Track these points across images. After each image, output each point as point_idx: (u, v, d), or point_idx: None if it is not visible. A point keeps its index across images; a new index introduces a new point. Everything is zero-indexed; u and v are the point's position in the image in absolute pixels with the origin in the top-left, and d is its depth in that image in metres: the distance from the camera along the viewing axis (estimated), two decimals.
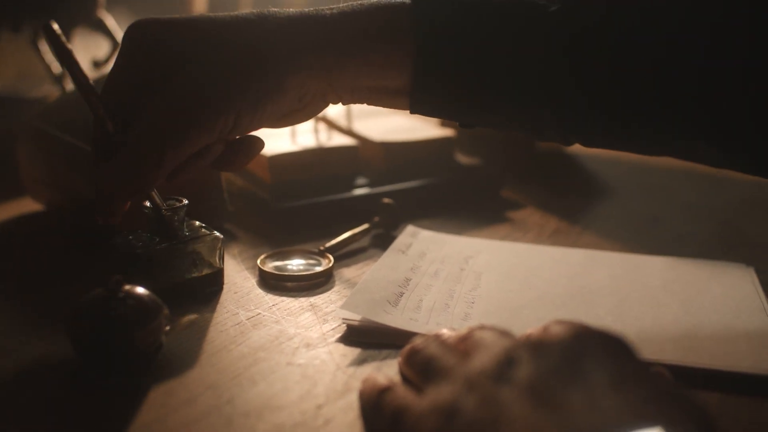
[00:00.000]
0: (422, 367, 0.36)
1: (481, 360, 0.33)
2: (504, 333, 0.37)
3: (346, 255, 0.60)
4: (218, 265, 0.54)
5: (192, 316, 0.49)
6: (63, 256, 0.59)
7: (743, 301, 0.50)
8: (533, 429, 0.28)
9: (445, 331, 0.41)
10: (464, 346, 0.37)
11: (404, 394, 0.35)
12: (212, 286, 0.53)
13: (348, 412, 0.39)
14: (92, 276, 0.48)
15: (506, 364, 0.32)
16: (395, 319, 0.47)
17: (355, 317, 0.48)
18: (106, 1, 0.81)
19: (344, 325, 0.48)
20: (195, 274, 0.52)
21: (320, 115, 0.79)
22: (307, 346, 0.46)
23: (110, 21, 0.82)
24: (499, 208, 0.73)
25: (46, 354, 0.44)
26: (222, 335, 0.47)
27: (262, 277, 0.55)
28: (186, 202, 0.52)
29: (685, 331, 0.47)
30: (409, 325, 0.47)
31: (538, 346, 0.32)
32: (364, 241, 0.63)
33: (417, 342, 0.38)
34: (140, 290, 0.43)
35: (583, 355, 0.31)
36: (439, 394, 0.32)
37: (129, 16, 1.31)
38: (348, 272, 0.57)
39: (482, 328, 0.38)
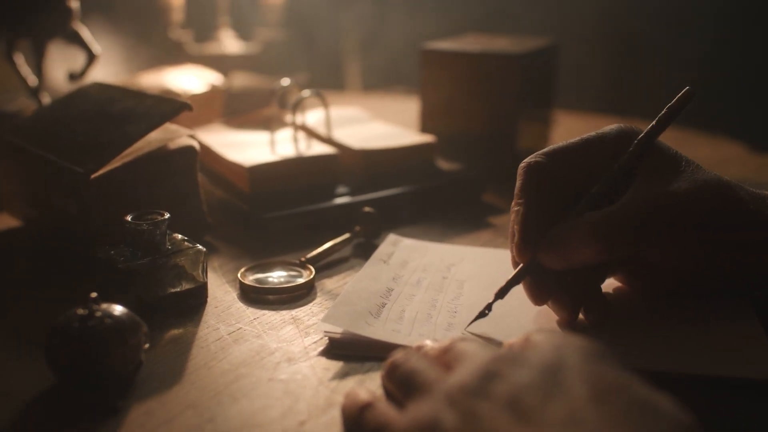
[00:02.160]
0: (403, 382, 0.36)
1: (461, 374, 0.33)
2: (485, 345, 0.37)
3: (327, 265, 0.60)
4: (201, 279, 0.53)
5: (174, 332, 0.49)
6: (39, 272, 0.58)
7: (733, 304, 0.50)
8: None
9: (428, 343, 0.41)
10: (446, 359, 0.37)
11: (385, 411, 0.34)
12: (196, 299, 0.53)
13: (331, 428, 0.38)
14: (71, 292, 0.48)
15: (486, 378, 0.31)
16: (377, 330, 0.47)
17: (337, 330, 0.47)
18: (80, 13, 0.80)
19: (326, 338, 0.47)
20: (178, 288, 0.52)
21: (300, 123, 0.79)
22: (289, 360, 0.45)
23: (85, 33, 0.81)
24: (481, 214, 0.73)
25: (22, 373, 0.43)
26: (203, 351, 0.47)
27: (243, 291, 0.55)
28: (167, 215, 0.52)
29: (675, 338, 0.47)
30: (391, 337, 0.46)
31: (518, 359, 0.32)
32: (346, 251, 0.62)
33: (398, 356, 0.38)
34: (118, 308, 0.43)
35: (562, 367, 0.31)
36: (420, 410, 0.32)
37: (104, 26, 1.30)
38: (330, 283, 0.57)
39: (463, 339, 0.38)
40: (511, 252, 0.50)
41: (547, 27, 1.65)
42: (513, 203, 0.50)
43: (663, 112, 0.50)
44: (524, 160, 0.50)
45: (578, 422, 0.28)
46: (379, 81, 1.88)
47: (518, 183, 0.50)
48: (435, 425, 0.30)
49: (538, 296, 0.48)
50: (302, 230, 0.65)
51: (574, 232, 0.46)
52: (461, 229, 0.68)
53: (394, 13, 1.92)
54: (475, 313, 0.49)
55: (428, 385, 0.34)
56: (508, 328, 0.48)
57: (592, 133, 0.51)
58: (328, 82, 1.87)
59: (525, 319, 0.49)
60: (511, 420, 0.29)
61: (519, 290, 0.51)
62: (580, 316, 0.49)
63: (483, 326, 0.48)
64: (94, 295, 0.42)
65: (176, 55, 1.18)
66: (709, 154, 0.98)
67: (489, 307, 0.48)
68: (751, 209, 0.48)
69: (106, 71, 1.27)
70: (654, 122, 0.50)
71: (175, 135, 0.61)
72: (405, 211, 0.71)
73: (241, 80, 1.20)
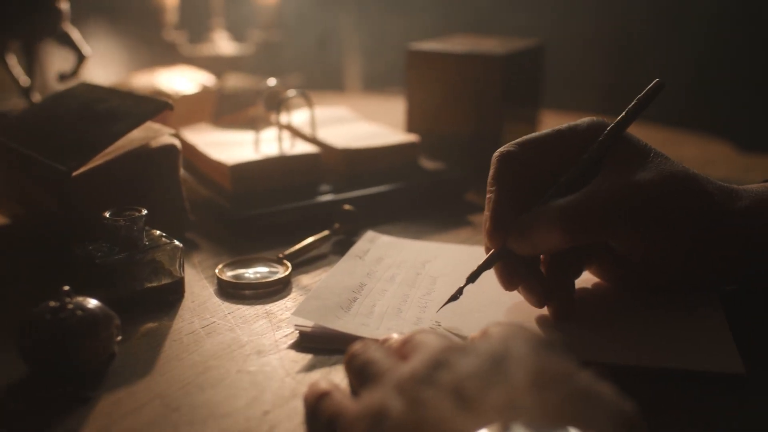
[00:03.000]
0: (359, 372, 0.37)
1: (413, 364, 0.34)
2: (443, 336, 0.38)
3: (306, 262, 0.61)
4: (178, 274, 0.54)
5: (149, 325, 0.50)
6: (19, 268, 0.59)
7: (702, 299, 0.51)
8: (453, 430, 0.29)
9: (394, 336, 0.42)
10: (404, 350, 0.38)
11: (340, 400, 0.35)
12: (172, 294, 0.54)
13: (293, 417, 0.39)
14: (48, 287, 0.49)
15: (434, 367, 0.32)
16: (346, 324, 0.48)
17: (308, 323, 0.48)
18: (71, 14, 0.82)
19: (297, 331, 0.48)
20: (155, 283, 0.53)
21: (285, 123, 0.80)
22: (259, 353, 0.46)
23: (75, 34, 0.83)
24: (462, 212, 0.74)
25: None
26: (176, 344, 0.48)
27: (220, 286, 0.56)
28: (145, 212, 0.53)
29: (639, 332, 0.47)
30: (360, 330, 0.47)
31: (467, 349, 0.33)
32: (325, 248, 0.64)
33: (356, 347, 0.39)
34: (92, 301, 0.44)
35: (507, 356, 0.32)
36: (370, 398, 0.33)
37: (106, 28, 1.31)
38: (306, 279, 0.58)
39: (423, 331, 0.39)
40: (483, 238, 0.51)
41: (544, 28, 1.65)
42: (487, 191, 0.51)
43: (632, 103, 0.51)
44: (498, 150, 0.51)
45: (516, 409, 0.29)
46: (379, 82, 1.89)
47: (491, 171, 0.51)
48: (382, 412, 0.31)
49: (508, 281, 0.50)
50: (284, 228, 0.66)
51: (538, 219, 0.48)
52: (441, 227, 0.69)
53: (394, 15, 1.93)
54: (446, 307, 0.50)
55: (381, 375, 0.35)
56: (477, 323, 0.49)
57: (564, 125, 0.52)
58: (329, 83, 1.89)
59: (495, 314, 0.50)
60: (453, 407, 0.30)
61: (492, 286, 0.52)
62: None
63: (455, 321, 0.49)
64: (66, 288, 0.43)
65: (171, 56, 1.19)
66: (696, 154, 0.98)
67: (460, 290, 0.50)
68: (717, 202, 0.49)
69: (107, 71, 1.29)
70: (623, 114, 0.51)
71: (157, 134, 0.62)
72: (387, 210, 0.72)
73: (235, 81, 1.21)
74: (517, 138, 0.52)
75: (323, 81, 1.83)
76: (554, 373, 0.31)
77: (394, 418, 0.31)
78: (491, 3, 1.86)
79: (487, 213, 0.50)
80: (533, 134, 0.52)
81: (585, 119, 0.52)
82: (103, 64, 1.35)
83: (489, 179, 0.51)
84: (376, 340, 0.43)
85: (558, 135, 0.52)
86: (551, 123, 1.08)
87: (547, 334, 0.47)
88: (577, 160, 0.50)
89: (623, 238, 0.48)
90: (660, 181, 0.48)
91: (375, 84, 1.93)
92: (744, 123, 1.53)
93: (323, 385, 0.38)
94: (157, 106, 0.61)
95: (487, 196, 0.51)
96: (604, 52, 1.82)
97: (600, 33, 1.81)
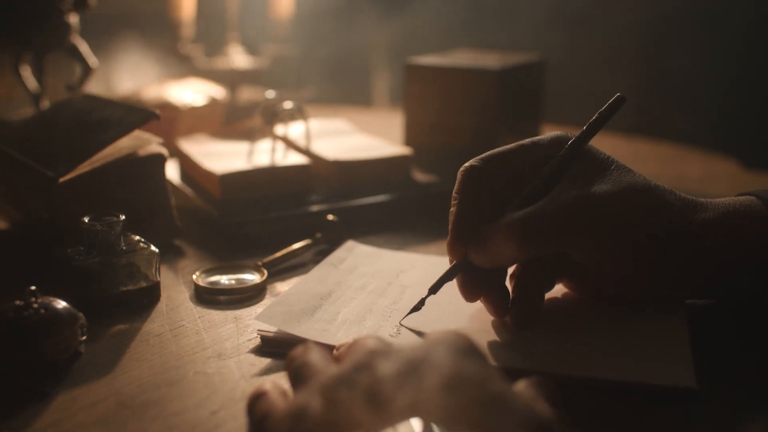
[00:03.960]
0: (294, 374, 0.38)
1: (340, 367, 0.34)
2: (382, 342, 0.38)
3: (285, 270, 0.62)
4: (154, 278, 0.56)
5: (119, 327, 0.52)
6: (11, 271, 0.61)
7: (668, 311, 0.51)
8: (362, 429, 0.30)
9: (348, 342, 0.43)
10: (343, 354, 0.39)
11: (273, 400, 0.36)
12: (148, 298, 0.56)
13: (239, 418, 0.41)
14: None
15: (356, 370, 0.33)
16: (307, 330, 0.49)
17: (271, 329, 0.49)
18: (79, 27, 0.85)
19: (259, 336, 0.50)
20: (130, 287, 0.55)
21: (280, 134, 0.82)
22: (219, 356, 0.48)
23: (83, 46, 0.86)
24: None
25: None
26: (142, 345, 0.49)
27: (196, 291, 0.57)
28: (122, 217, 0.54)
29: (596, 344, 0.47)
30: (319, 336, 0.48)
31: (391, 353, 0.34)
32: (306, 257, 0.65)
33: (297, 350, 0.40)
34: (57, 301, 0.45)
35: (425, 361, 0.32)
36: (296, 398, 0.34)
37: (138, 41, 1.35)
38: (281, 287, 0.59)
39: (367, 337, 0.40)
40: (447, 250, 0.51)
41: (561, 45, 1.65)
42: (450, 205, 0.52)
43: (593, 117, 0.51)
44: (463, 165, 0.52)
45: (422, 411, 0.30)
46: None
47: (456, 185, 0.52)
48: (303, 412, 0.32)
49: (469, 292, 0.51)
50: (271, 237, 0.67)
51: (494, 231, 0.48)
52: (426, 239, 0.70)
53: (424, 28, 1.95)
54: (409, 317, 0.50)
55: (311, 377, 0.36)
56: (442, 322, 0.50)
57: (528, 140, 0.53)
58: (357, 98, 1.91)
59: (458, 324, 0.51)
60: (365, 408, 0.31)
61: (456, 294, 0.53)
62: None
63: (420, 328, 0.50)
64: (33, 287, 0.45)
65: (189, 69, 1.22)
66: (699, 170, 0.98)
67: (422, 301, 0.51)
68: (677, 214, 0.49)
69: (137, 83, 1.33)
70: (584, 128, 0.51)
71: (145, 143, 0.64)
72: (376, 221, 0.73)
73: (248, 94, 1.24)
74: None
75: (348, 96, 1.85)
76: (467, 378, 0.31)
77: (311, 418, 0.32)
78: (513, 21, 1.87)
79: (449, 225, 0.51)
80: (498, 149, 0.53)
81: (548, 134, 0.53)
82: (133, 76, 1.40)
83: (453, 193, 0.52)
84: (332, 347, 0.44)
85: (521, 149, 0.52)
86: None
87: (502, 342, 0.48)
88: (539, 173, 0.51)
89: (580, 250, 0.48)
90: (618, 193, 0.48)
91: (402, 99, 1.94)
92: (751, 140, 1.51)
93: (265, 385, 0.39)
94: (144, 116, 0.63)
95: (451, 209, 0.52)
96: (614, 68, 1.81)
97: (609, 48, 1.80)
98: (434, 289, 0.51)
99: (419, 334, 0.49)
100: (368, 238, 0.68)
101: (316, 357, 0.38)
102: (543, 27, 1.79)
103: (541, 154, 0.51)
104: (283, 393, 0.37)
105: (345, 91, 1.95)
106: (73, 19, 0.84)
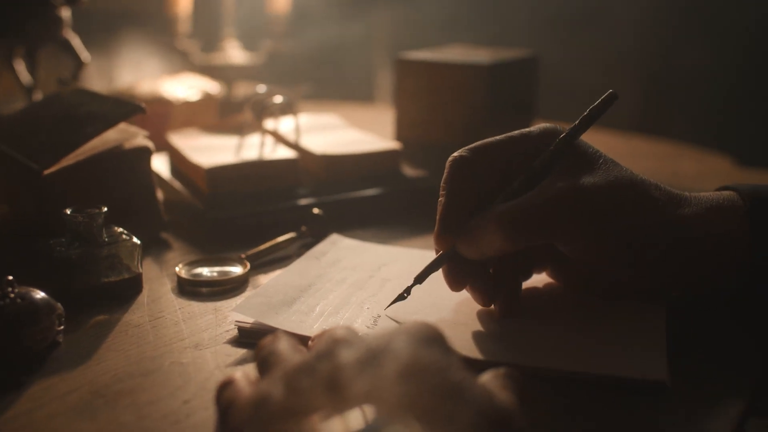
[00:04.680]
0: (261, 363, 0.38)
1: (305, 355, 0.35)
2: (349, 332, 0.38)
3: (269, 263, 0.62)
4: (136, 270, 0.56)
5: (99, 318, 0.52)
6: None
7: (647, 305, 0.51)
8: (321, 417, 0.30)
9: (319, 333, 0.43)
10: (312, 345, 0.39)
11: (239, 388, 0.36)
12: (130, 289, 0.56)
13: (210, 406, 0.41)
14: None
15: (318, 358, 0.33)
16: (283, 321, 0.49)
17: (248, 320, 0.50)
18: (71, 21, 0.85)
19: (236, 327, 0.50)
20: (112, 278, 0.55)
21: (270, 129, 0.82)
22: (196, 346, 0.48)
23: (76, 41, 0.86)
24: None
25: None
26: (120, 336, 0.49)
27: (178, 283, 0.58)
28: (105, 209, 0.55)
29: (572, 337, 0.48)
30: (295, 328, 0.48)
31: (354, 342, 0.34)
32: (291, 250, 0.65)
33: (266, 339, 0.40)
34: (34, 291, 0.46)
35: (386, 349, 0.32)
36: (260, 386, 0.34)
37: (139, 37, 1.36)
38: (264, 279, 0.59)
39: (337, 327, 0.40)
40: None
41: (556, 40, 1.65)
42: (439, 195, 0.52)
43: (585, 113, 0.51)
44: (452, 155, 0.52)
45: (377, 398, 0.30)
46: None
47: (444, 175, 0.52)
48: (264, 399, 0.33)
49: (455, 282, 0.51)
50: (258, 230, 0.68)
51: (482, 222, 0.48)
52: (413, 233, 0.70)
53: (428, 25, 1.95)
54: (386, 310, 0.51)
55: (276, 365, 0.36)
56: (427, 311, 0.51)
57: (517, 131, 0.53)
58: (358, 94, 1.91)
59: (436, 317, 0.51)
60: (323, 395, 0.31)
61: (440, 290, 0.53)
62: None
63: (402, 318, 0.50)
64: (10, 277, 0.45)
65: (185, 65, 1.23)
66: (692, 167, 0.97)
67: (408, 290, 0.51)
68: (661, 207, 0.49)
69: (137, 78, 1.33)
70: (576, 123, 0.51)
71: (131, 136, 0.64)
72: (363, 215, 0.73)
73: (245, 90, 1.24)
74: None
75: (349, 92, 1.85)
76: (425, 367, 0.31)
77: (272, 404, 0.32)
78: (512, 18, 1.87)
79: (437, 216, 0.51)
80: (487, 140, 0.53)
81: (538, 126, 0.53)
82: (134, 72, 1.40)
83: (442, 183, 0.52)
84: (308, 338, 0.44)
85: (510, 141, 0.53)
86: None
87: (479, 333, 0.48)
88: (528, 166, 0.51)
89: (567, 242, 0.49)
90: (603, 185, 0.48)
91: None
92: (746, 137, 1.51)
93: (235, 375, 0.39)
94: (130, 109, 0.63)
95: (439, 199, 0.52)
96: (611, 66, 1.80)
97: (607, 46, 1.79)
98: (420, 279, 0.51)
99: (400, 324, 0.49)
100: (355, 231, 0.68)
101: (283, 346, 0.38)
102: (543, 25, 1.79)
103: (530, 145, 0.51)
104: (251, 382, 0.38)
105: (345, 87, 1.96)
106: (66, 13, 0.84)
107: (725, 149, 1.06)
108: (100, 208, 0.55)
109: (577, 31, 1.77)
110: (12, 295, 0.45)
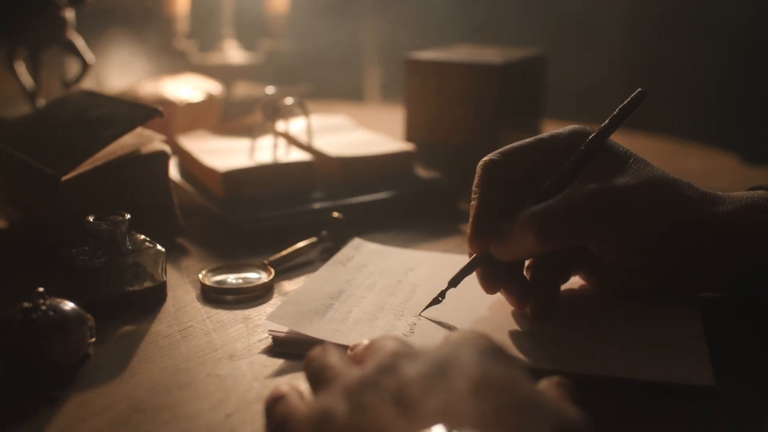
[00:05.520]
0: (313, 376, 0.37)
1: (364, 369, 0.34)
2: (401, 342, 0.38)
3: (291, 268, 0.61)
4: (161, 278, 0.55)
5: (127, 328, 0.51)
6: (6, 271, 0.60)
7: (681, 306, 0.51)
8: None
9: (364, 342, 0.42)
10: (361, 356, 0.38)
11: (293, 403, 0.35)
12: (155, 298, 0.55)
13: (255, 420, 0.40)
14: (31, 290, 0.49)
15: (381, 372, 0.32)
16: (320, 330, 0.48)
17: (282, 329, 0.49)
18: (75, 22, 0.83)
19: (270, 336, 0.49)
20: (137, 287, 0.54)
21: (281, 130, 0.81)
22: (231, 357, 0.47)
23: (80, 42, 0.84)
24: (454, 220, 0.74)
25: None
26: (151, 347, 0.48)
27: (203, 291, 0.57)
28: (128, 216, 0.54)
29: (612, 341, 0.47)
30: (332, 336, 0.47)
31: (417, 355, 0.33)
32: (312, 255, 0.64)
33: (315, 351, 0.39)
34: (65, 303, 0.45)
35: (453, 363, 0.32)
36: (319, 402, 0.33)
37: (128, 37, 1.34)
38: (289, 285, 0.58)
39: (384, 337, 0.39)
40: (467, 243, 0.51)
41: (562, 40, 1.65)
42: (471, 199, 0.52)
43: (615, 111, 0.51)
44: (482, 159, 0.52)
45: (453, 415, 0.29)
46: (398, 91, 1.89)
47: (475, 180, 0.52)
48: (327, 417, 0.32)
49: (489, 285, 0.51)
50: (275, 234, 0.66)
51: (515, 225, 0.48)
52: (431, 235, 0.69)
53: (410, 24, 1.94)
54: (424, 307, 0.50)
55: (333, 379, 0.35)
56: (461, 314, 0.50)
57: (546, 133, 0.52)
58: (348, 93, 1.89)
59: (469, 323, 0.50)
60: (393, 412, 0.30)
61: (471, 295, 0.53)
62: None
63: (432, 329, 0.49)
64: (40, 289, 0.44)
65: (183, 65, 1.21)
66: (698, 165, 0.98)
67: (442, 294, 0.51)
68: (696, 207, 0.49)
69: (129, 79, 1.31)
70: (605, 123, 0.51)
71: (148, 140, 0.63)
72: (379, 217, 0.72)
73: (244, 90, 1.23)
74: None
75: (340, 90, 1.83)
76: (496, 381, 0.31)
77: (337, 422, 0.31)
78: (510, 17, 1.86)
79: (470, 219, 0.51)
80: (516, 143, 0.53)
81: (567, 127, 0.53)
82: (125, 72, 1.38)
83: (473, 187, 0.52)
84: (345, 347, 0.43)
85: (540, 143, 0.52)
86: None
87: (519, 342, 0.47)
88: (559, 167, 0.50)
89: (599, 243, 0.48)
90: (636, 185, 0.48)
91: (394, 94, 1.94)
92: (752, 135, 1.51)
93: (283, 388, 0.38)
94: (146, 112, 0.62)
95: (471, 203, 0.51)
96: (614, 65, 1.81)
97: (610, 45, 1.80)
98: (454, 282, 0.51)
99: (441, 325, 0.49)
100: (375, 235, 0.68)
101: (335, 359, 0.37)
102: (543, 23, 1.78)
103: (560, 147, 0.51)
104: (301, 395, 0.37)
105: (336, 86, 1.94)
106: (69, 14, 0.82)
107: (727, 146, 1.06)
108: (123, 215, 0.53)
109: (574, 31, 1.78)
110: (43, 308, 0.43)
